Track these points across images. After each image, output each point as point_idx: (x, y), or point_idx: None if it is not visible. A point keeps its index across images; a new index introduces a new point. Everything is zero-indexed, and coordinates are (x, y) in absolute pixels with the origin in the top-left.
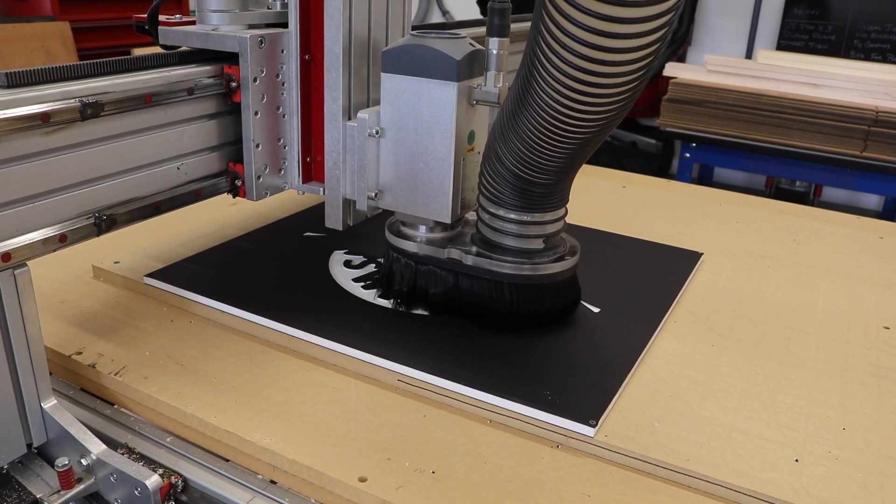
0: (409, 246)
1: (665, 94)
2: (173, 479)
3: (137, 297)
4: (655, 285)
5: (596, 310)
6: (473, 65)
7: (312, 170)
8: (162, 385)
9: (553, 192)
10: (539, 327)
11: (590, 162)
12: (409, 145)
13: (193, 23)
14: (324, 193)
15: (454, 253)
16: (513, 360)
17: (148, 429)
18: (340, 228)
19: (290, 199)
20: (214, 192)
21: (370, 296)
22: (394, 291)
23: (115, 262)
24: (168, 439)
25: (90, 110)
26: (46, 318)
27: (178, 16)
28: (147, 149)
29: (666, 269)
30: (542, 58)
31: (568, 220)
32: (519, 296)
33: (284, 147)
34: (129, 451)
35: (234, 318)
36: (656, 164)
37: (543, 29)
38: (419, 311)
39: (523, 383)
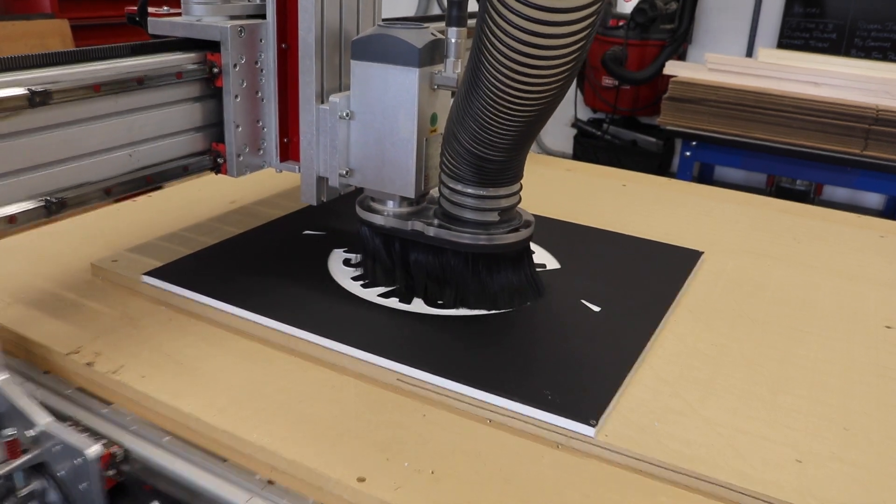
0: (377, 219)
1: (665, 92)
2: (114, 450)
3: (135, 296)
4: (656, 284)
5: (596, 309)
6: (434, 52)
7: (289, 150)
8: (160, 384)
9: (507, 169)
10: (500, 302)
11: (590, 160)
12: (377, 127)
13: (180, 14)
14: (299, 171)
15: (417, 225)
16: (513, 359)
17: (94, 404)
18: (314, 203)
19: (288, 198)
20: (199, 170)
21: (370, 294)
22: (366, 264)
23: (114, 261)
24: (105, 410)
25: (39, 98)
26: (44, 316)
27: (165, 8)
28: (139, 126)
29: (666, 268)
30: (487, 43)
31: (568, 218)
32: (475, 265)
33: (263, 128)
34: (76, 424)
35: (232, 317)
36: (657, 162)
37: (487, 15)
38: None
39: (523, 383)
